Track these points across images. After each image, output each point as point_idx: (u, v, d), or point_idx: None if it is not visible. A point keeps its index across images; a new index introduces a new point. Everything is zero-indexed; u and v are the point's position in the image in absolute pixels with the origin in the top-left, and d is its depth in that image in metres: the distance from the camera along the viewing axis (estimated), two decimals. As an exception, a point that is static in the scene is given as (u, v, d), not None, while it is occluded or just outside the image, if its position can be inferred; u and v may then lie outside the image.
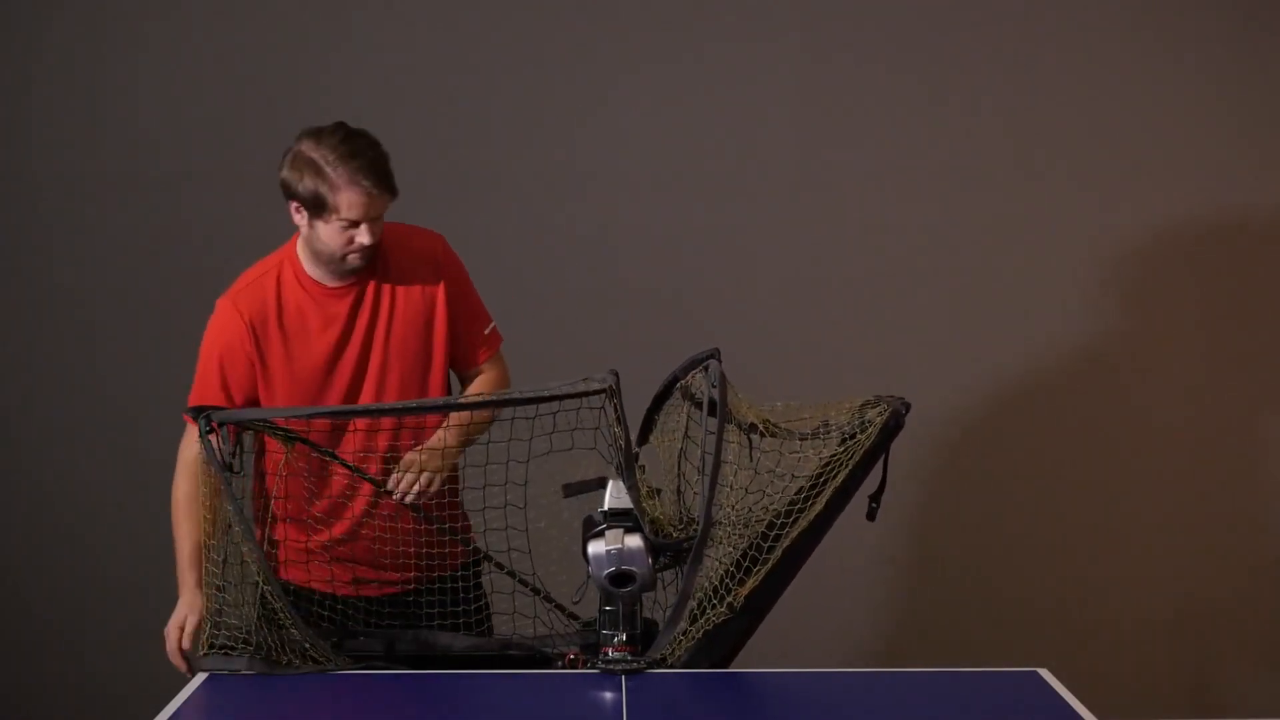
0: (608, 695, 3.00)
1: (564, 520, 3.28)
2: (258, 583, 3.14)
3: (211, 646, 3.13)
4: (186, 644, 3.23)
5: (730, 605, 3.07)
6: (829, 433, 3.14)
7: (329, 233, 3.31)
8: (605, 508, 3.11)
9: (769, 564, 3.07)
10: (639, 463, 3.18)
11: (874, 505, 3.20)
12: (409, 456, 3.31)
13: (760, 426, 3.13)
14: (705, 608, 3.10)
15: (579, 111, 4.96)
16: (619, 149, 4.96)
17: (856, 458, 3.10)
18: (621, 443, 3.11)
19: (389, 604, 3.37)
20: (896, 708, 3.02)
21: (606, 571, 3.06)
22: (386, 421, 3.32)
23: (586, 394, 3.15)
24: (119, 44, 4.91)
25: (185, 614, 3.26)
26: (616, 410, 3.10)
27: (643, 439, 3.31)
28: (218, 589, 3.16)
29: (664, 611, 3.16)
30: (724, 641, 3.11)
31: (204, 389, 3.39)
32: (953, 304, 5.04)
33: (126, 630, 4.95)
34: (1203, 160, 5.03)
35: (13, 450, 4.99)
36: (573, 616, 3.32)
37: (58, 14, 4.89)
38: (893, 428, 3.12)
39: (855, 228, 5.01)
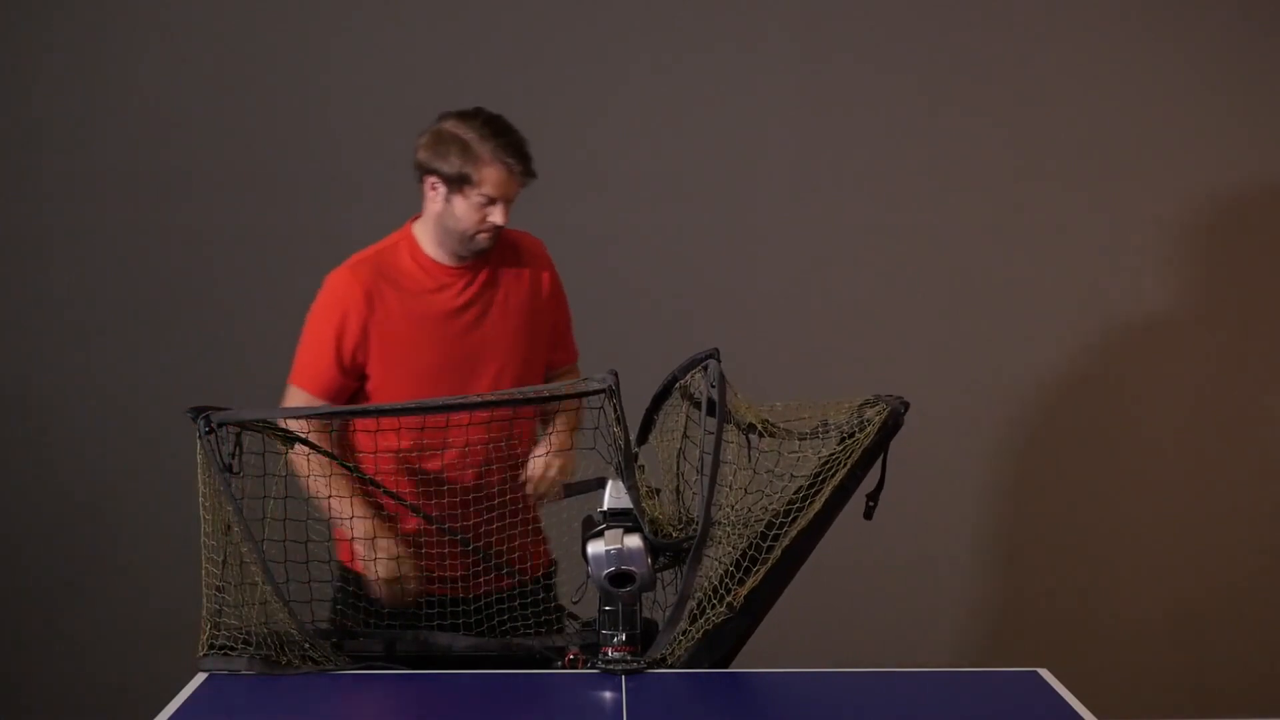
0: (608, 695, 3.00)
1: (564, 520, 3.28)
2: (258, 583, 3.13)
3: (211, 647, 3.12)
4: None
5: (730, 605, 3.07)
6: (828, 432, 3.14)
7: (465, 208, 3.40)
8: (605, 508, 3.11)
9: (768, 564, 3.07)
10: (638, 463, 3.18)
11: (871, 504, 3.20)
12: (541, 460, 3.35)
13: (759, 426, 3.13)
14: (705, 608, 3.10)
15: (580, 113, 4.97)
16: (620, 151, 4.96)
17: (855, 457, 3.10)
18: (621, 443, 3.11)
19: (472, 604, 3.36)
20: (896, 708, 3.02)
21: (606, 571, 3.06)
22: (500, 410, 3.32)
23: (586, 394, 3.15)
24: (120, 45, 4.92)
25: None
26: (616, 410, 3.11)
27: (642, 439, 3.31)
28: (217, 589, 3.15)
29: (664, 611, 3.16)
30: (724, 641, 3.11)
31: (315, 361, 3.45)
32: (953, 305, 5.04)
33: (127, 630, 4.96)
34: (1203, 161, 5.04)
35: (13, 449, 4.99)
36: (572, 616, 3.32)
37: (58, 14, 4.89)
38: (891, 427, 3.12)
39: (855, 229, 5.01)
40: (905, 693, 3.09)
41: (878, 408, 3.12)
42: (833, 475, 3.09)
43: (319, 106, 4.95)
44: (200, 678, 3.07)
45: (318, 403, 3.43)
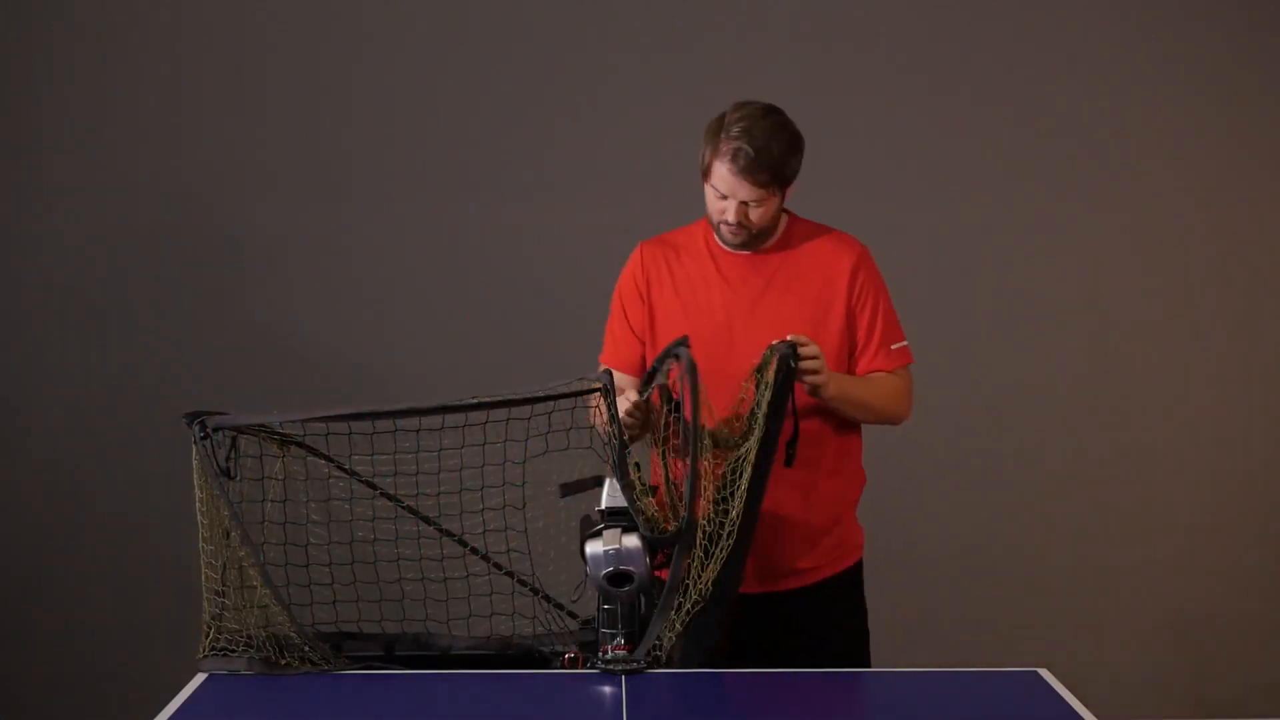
0: (607, 695, 2.99)
1: (561, 520, 3.28)
2: (257, 586, 3.13)
3: (212, 650, 3.12)
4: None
5: (702, 595, 3.07)
6: (755, 421, 3.13)
7: (709, 196, 3.36)
8: (602, 507, 3.11)
9: (723, 542, 3.07)
10: (633, 460, 3.18)
11: (791, 452, 3.21)
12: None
13: (715, 439, 3.15)
14: (681, 603, 3.09)
15: (580, 114, 4.98)
16: (620, 152, 4.97)
17: (763, 415, 3.10)
18: (616, 441, 3.11)
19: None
20: (897, 708, 3.02)
21: (604, 571, 3.06)
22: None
23: (582, 393, 3.16)
24: (119, 48, 4.93)
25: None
26: (612, 409, 3.11)
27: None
28: (217, 594, 3.15)
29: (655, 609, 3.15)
30: (708, 634, 3.09)
31: (612, 335, 3.51)
32: (953, 307, 5.04)
33: (127, 630, 4.96)
34: (1204, 161, 5.06)
35: (13, 451, 4.99)
36: (571, 616, 3.32)
37: (57, 23, 4.90)
38: (786, 373, 3.10)
39: (854, 231, 5.01)
40: (905, 693, 3.09)
41: (772, 362, 3.12)
42: (754, 443, 3.10)
43: (318, 109, 4.96)
44: (200, 678, 3.07)
45: (624, 379, 3.42)
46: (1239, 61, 5.04)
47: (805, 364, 3.18)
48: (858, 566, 3.55)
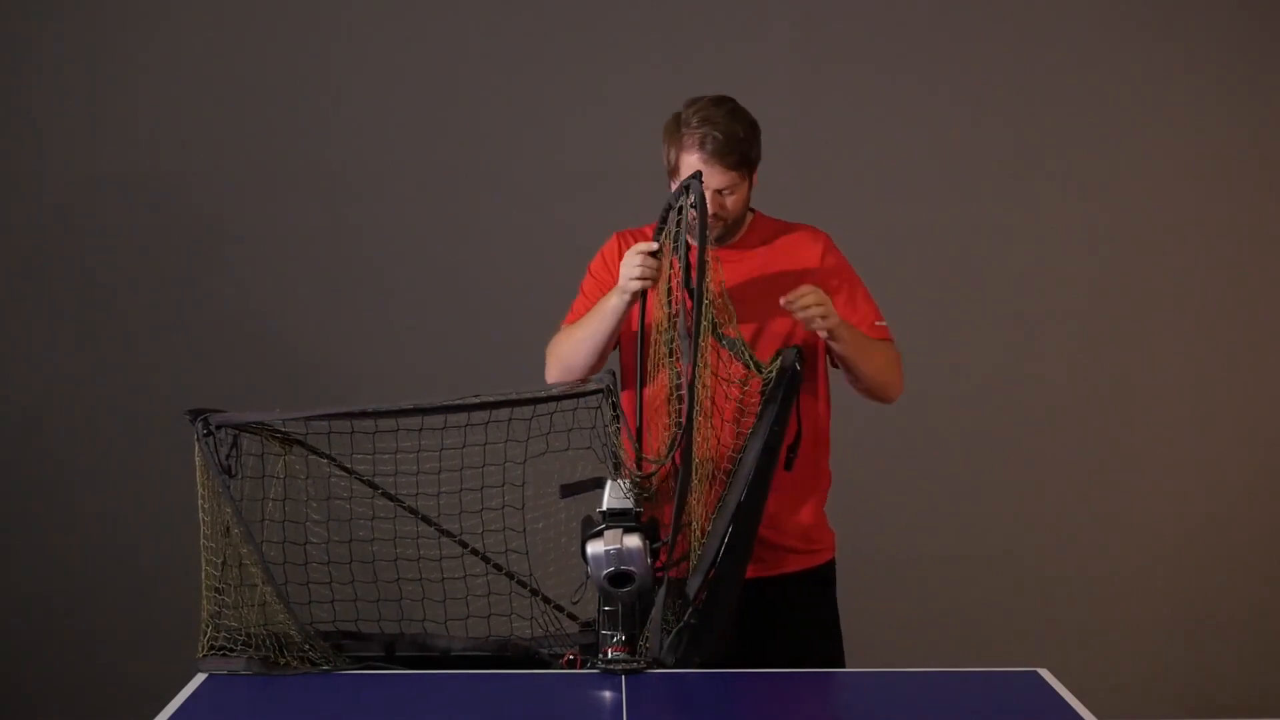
0: (607, 695, 2.99)
1: (561, 521, 3.28)
2: (257, 584, 3.13)
3: (211, 648, 3.12)
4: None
5: (694, 610, 3.07)
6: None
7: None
8: (604, 508, 3.11)
9: (718, 552, 3.07)
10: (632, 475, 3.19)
11: (791, 455, 3.20)
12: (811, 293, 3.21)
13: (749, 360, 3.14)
14: (678, 611, 3.09)
15: (577, 113, 4.99)
16: (617, 150, 4.96)
17: (771, 415, 3.10)
18: (614, 445, 3.12)
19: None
20: (896, 708, 3.02)
21: (605, 572, 3.06)
22: None
23: (583, 394, 3.16)
24: (118, 45, 4.94)
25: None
26: (614, 410, 3.11)
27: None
28: (216, 591, 3.15)
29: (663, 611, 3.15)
30: (709, 635, 3.10)
31: (578, 304, 3.46)
32: (953, 303, 5.05)
33: (127, 630, 4.97)
34: (1205, 159, 5.06)
35: (13, 449, 5.00)
36: (572, 617, 3.32)
37: (58, 14, 4.90)
38: (791, 376, 3.10)
39: (854, 229, 4.99)
40: (905, 693, 3.09)
41: (777, 360, 3.11)
42: (752, 439, 3.10)
43: (318, 107, 4.97)
44: (200, 678, 3.08)
45: None
46: (1243, 58, 5.04)
47: (811, 310, 3.16)
48: (829, 566, 3.53)
